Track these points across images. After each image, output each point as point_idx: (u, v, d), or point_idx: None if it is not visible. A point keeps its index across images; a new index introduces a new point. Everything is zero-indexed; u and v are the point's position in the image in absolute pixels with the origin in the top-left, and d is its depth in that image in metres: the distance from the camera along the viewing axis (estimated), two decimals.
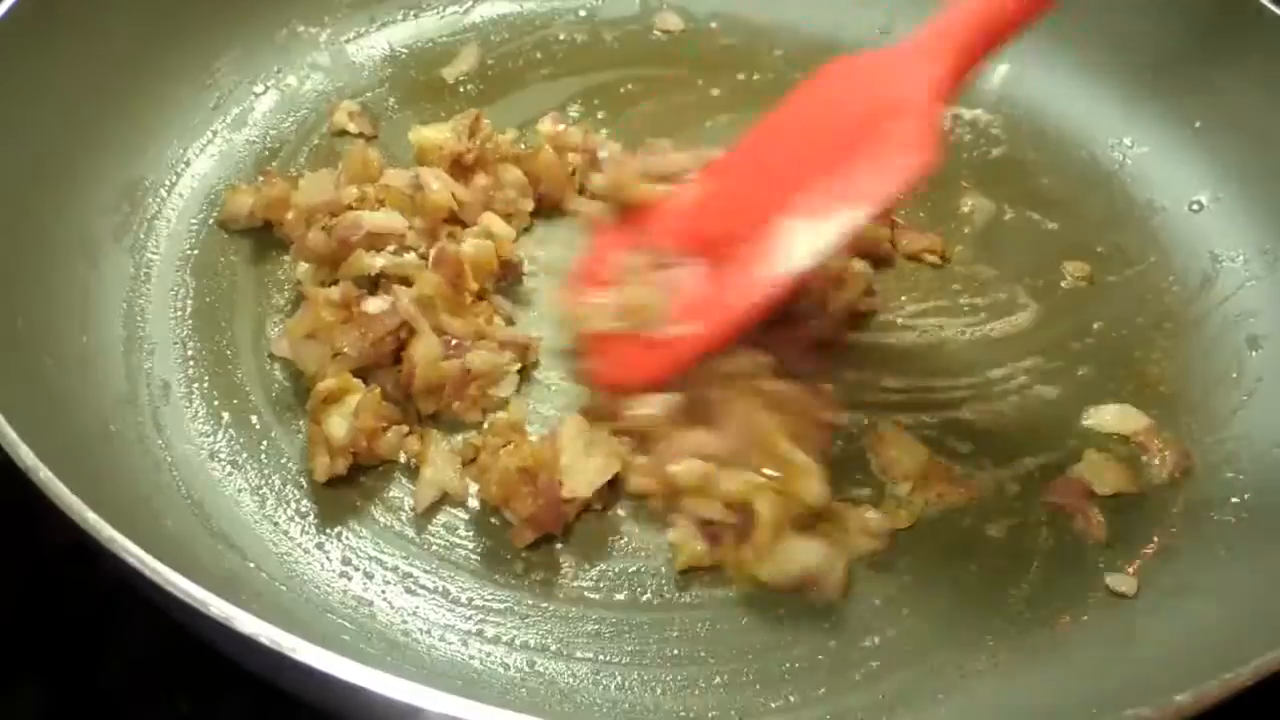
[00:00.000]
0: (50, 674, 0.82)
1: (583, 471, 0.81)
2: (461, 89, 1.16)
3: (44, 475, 0.64)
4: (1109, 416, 0.91)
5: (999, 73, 1.18)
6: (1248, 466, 0.88)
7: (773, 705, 0.75)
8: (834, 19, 1.23)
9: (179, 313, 0.94)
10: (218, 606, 0.59)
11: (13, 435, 0.66)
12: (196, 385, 0.90)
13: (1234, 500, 0.86)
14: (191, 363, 0.91)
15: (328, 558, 0.81)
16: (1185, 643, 0.76)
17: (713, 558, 0.81)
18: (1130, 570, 0.83)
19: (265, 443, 0.87)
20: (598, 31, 1.23)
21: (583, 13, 1.24)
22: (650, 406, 0.84)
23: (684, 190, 0.93)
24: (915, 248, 1.03)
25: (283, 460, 0.86)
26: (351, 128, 1.10)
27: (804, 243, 0.81)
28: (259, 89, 1.12)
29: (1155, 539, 0.85)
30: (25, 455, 0.65)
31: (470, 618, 0.78)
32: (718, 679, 0.76)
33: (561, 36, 1.22)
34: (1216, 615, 0.78)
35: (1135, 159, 1.12)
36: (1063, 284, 1.02)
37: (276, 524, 0.82)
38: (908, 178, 0.81)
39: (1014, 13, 0.82)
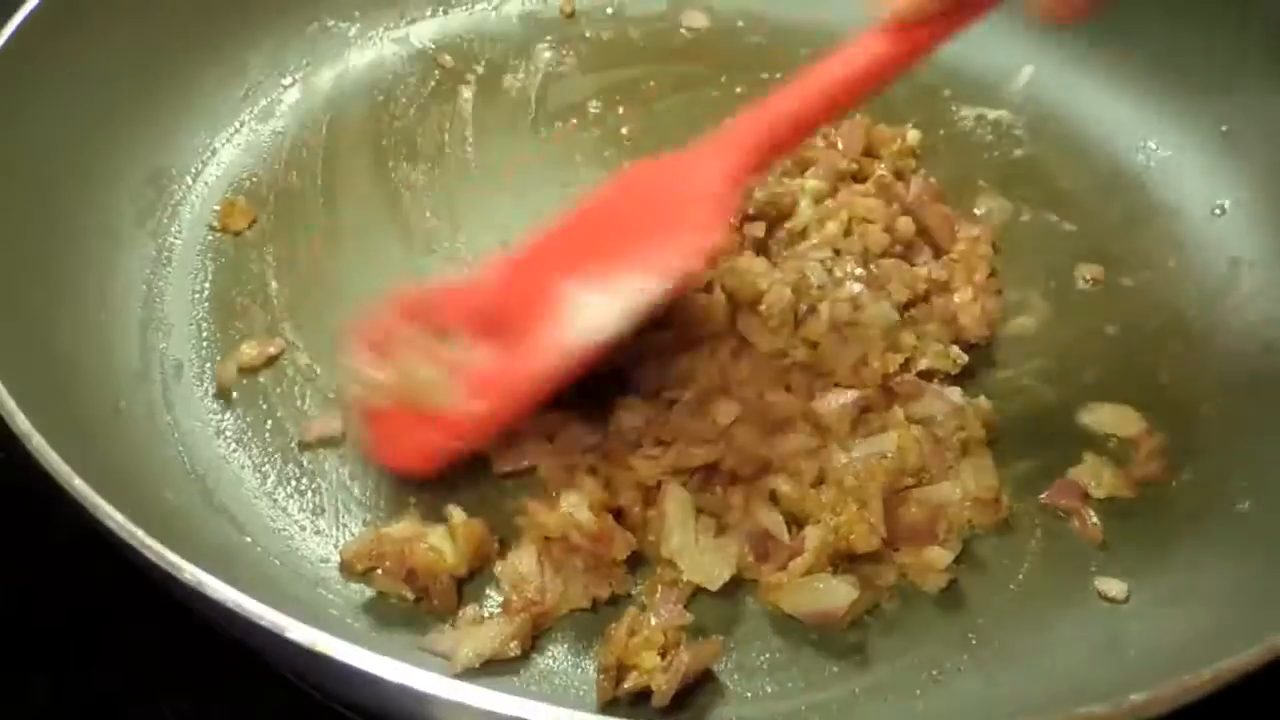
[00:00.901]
0: (50, 672, 0.83)
1: (702, 567, 0.79)
2: (488, 86, 1.17)
3: (37, 442, 0.67)
4: (1105, 416, 0.89)
5: (1024, 74, 1.17)
6: (1251, 475, 0.86)
7: (748, 695, 0.75)
8: (860, 19, 1.22)
9: (197, 295, 0.97)
10: (191, 572, 0.61)
11: (11, 403, 0.68)
12: (209, 366, 0.92)
13: (1235, 508, 0.85)
14: (206, 344, 0.94)
15: (322, 535, 0.82)
16: (1172, 649, 0.75)
17: (754, 573, 0.80)
18: (1121, 574, 0.81)
19: (270, 422, 0.89)
20: (624, 28, 1.24)
21: (610, 10, 1.25)
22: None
23: (477, 278, 0.93)
24: None
25: (286, 440, 0.88)
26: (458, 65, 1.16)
27: (594, 312, 0.81)
28: (287, 81, 1.15)
29: (1150, 544, 0.84)
30: (20, 422, 0.67)
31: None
32: None
33: (588, 33, 1.23)
34: (1207, 624, 0.76)
35: (1159, 162, 1.10)
36: (1076, 286, 1.01)
37: (275, 500, 0.84)
38: (695, 253, 0.84)
39: (808, 118, 0.85)
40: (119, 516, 0.63)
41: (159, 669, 0.83)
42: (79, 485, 0.65)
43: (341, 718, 0.79)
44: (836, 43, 1.18)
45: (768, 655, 0.77)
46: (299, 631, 0.59)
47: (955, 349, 0.93)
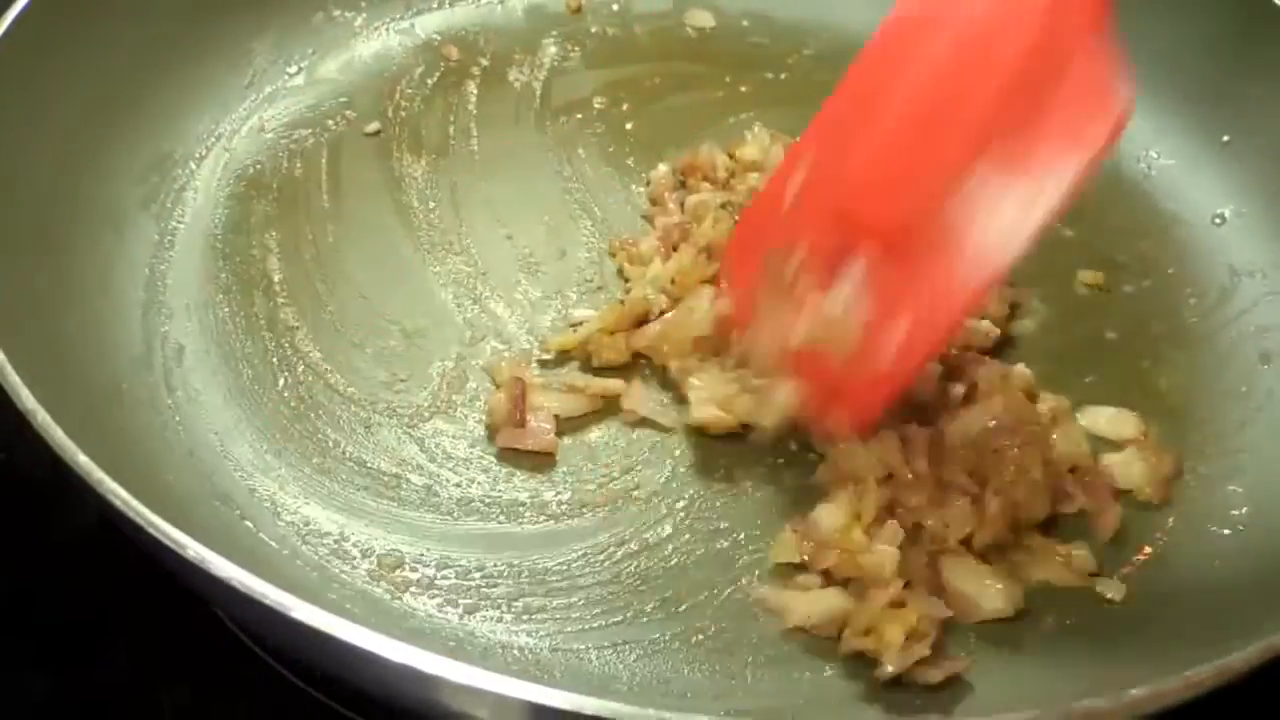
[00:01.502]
0: (50, 672, 0.82)
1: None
2: (493, 79, 1.18)
3: (41, 419, 0.67)
4: (1102, 420, 0.90)
5: None
6: (1249, 481, 0.87)
7: (738, 690, 0.75)
8: (865, 19, 1.23)
9: (200, 281, 0.97)
10: (195, 549, 0.61)
11: (15, 379, 0.68)
12: (212, 350, 0.92)
13: (1232, 513, 0.85)
14: (209, 329, 0.93)
15: (321, 519, 0.82)
16: (1169, 651, 0.75)
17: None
18: (1120, 577, 0.82)
19: (272, 406, 0.89)
20: (629, 26, 1.24)
21: (616, 7, 1.25)
22: None
23: (797, 168, 0.80)
24: None
25: (287, 424, 0.88)
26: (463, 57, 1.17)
27: (1018, 212, 0.67)
28: (292, 69, 1.14)
29: (1149, 548, 0.84)
30: (26, 399, 0.67)
31: (462, 589, 0.80)
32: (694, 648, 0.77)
33: (593, 29, 1.24)
34: (1205, 626, 0.77)
35: (1160, 170, 1.11)
36: (1076, 292, 1.02)
37: (276, 484, 0.84)
38: (1107, 109, 0.69)
39: None
40: (123, 493, 0.63)
41: (158, 667, 0.83)
42: (83, 461, 0.65)
43: (341, 717, 0.79)
44: (839, 42, 1.21)
45: (761, 655, 0.77)
46: (303, 611, 0.59)
47: (986, 322, 0.93)
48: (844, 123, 0.79)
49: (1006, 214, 0.68)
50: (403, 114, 1.13)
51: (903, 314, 0.72)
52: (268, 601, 0.60)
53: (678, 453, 0.88)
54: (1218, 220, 1.06)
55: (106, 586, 0.86)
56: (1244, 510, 0.85)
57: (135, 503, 0.63)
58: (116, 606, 0.85)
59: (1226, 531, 0.84)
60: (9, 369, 0.69)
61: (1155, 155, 1.12)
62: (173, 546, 0.62)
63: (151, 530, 0.62)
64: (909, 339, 0.73)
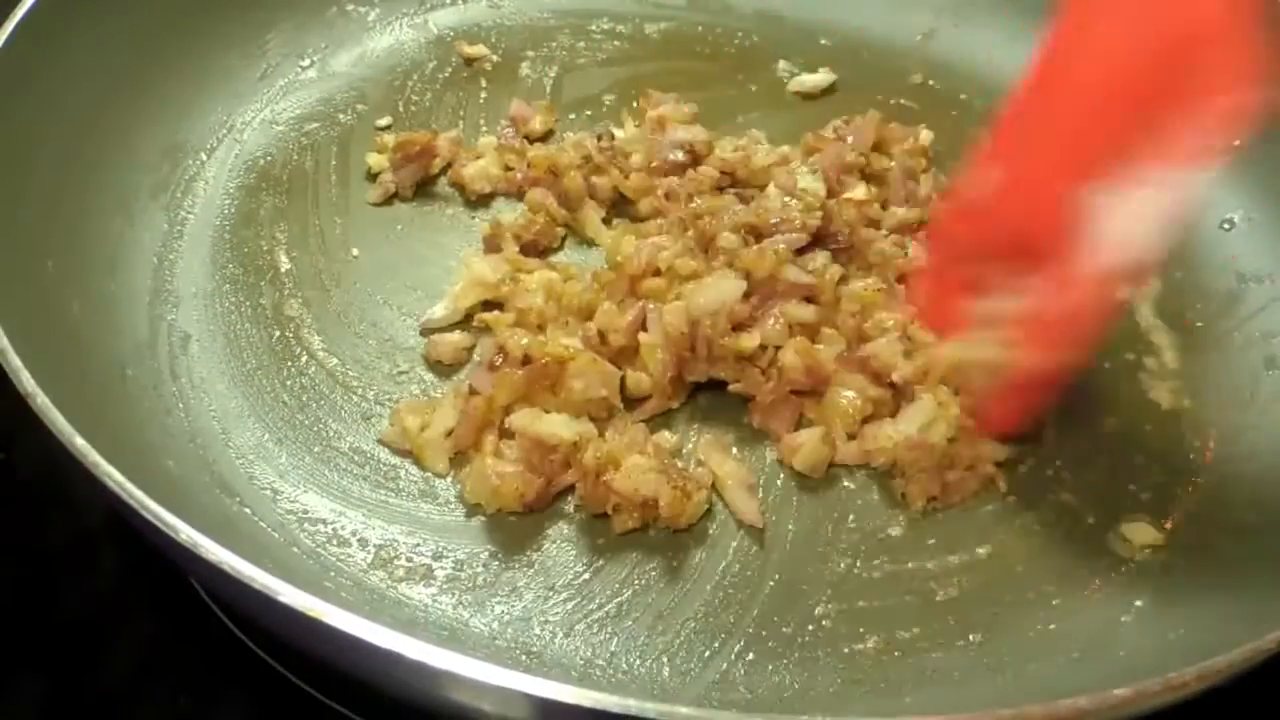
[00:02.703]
0: (50, 672, 0.82)
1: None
2: (504, 75, 1.18)
3: (40, 401, 0.67)
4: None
5: None
6: (1251, 486, 0.87)
7: (740, 688, 0.76)
8: (876, 19, 1.24)
9: (207, 270, 0.98)
10: (186, 533, 0.62)
11: (16, 361, 0.69)
12: (217, 338, 0.93)
13: (1234, 518, 0.85)
14: (215, 317, 0.95)
15: (319, 507, 0.83)
16: (1164, 652, 0.75)
17: None
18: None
19: (274, 395, 0.90)
20: (641, 25, 1.24)
21: (629, 5, 1.26)
22: None
23: (973, 183, 0.82)
24: None
25: (289, 413, 0.89)
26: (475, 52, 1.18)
27: (1125, 220, 0.69)
28: (305, 63, 1.15)
29: (1149, 550, 0.84)
30: (26, 381, 0.68)
31: (457, 579, 0.80)
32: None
33: (606, 27, 1.24)
34: (1199, 630, 0.76)
35: None
36: None
37: (276, 473, 0.85)
38: (1230, 120, 0.69)
39: None
40: (118, 475, 0.64)
41: (158, 667, 0.83)
42: (80, 445, 0.65)
43: (341, 717, 0.79)
44: (849, 41, 1.21)
45: (755, 650, 0.78)
46: (291, 595, 0.59)
47: None
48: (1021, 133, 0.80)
49: (1118, 225, 0.69)
50: (413, 108, 1.14)
51: (1039, 333, 0.76)
52: (256, 585, 0.61)
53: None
54: (1226, 225, 1.05)
55: (106, 586, 0.86)
56: (1245, 515, 0.85)
57: (129, 485, 0.64)
58: (116, 606, 0.86)
59: (1227, 537, 0.84)
60: (11, 352, 0.70)
61: None
62: (166, 530, 0.62)
63: (145, 513, 0.63)
64: (1053, 342, 0.76)
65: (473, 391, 0.87)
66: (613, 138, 1.07)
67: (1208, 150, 0.69)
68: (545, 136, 1.12)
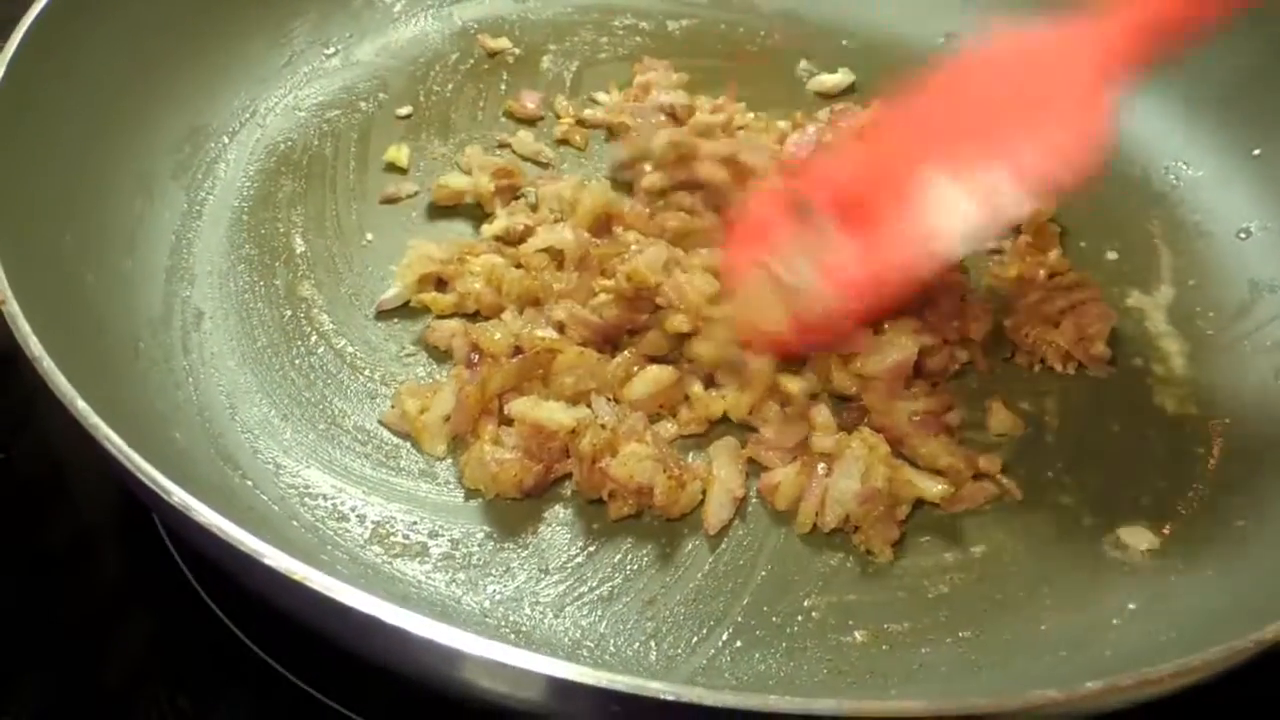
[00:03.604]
0: (50, 672, 0.82)
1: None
2: (525, 68, 1.20)
3: (46, 365, 0.69)
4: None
5: None
6: (1250, 494, 0.86)
7: (726, 674, 0.76)
8: (898, 21, 1.24)
9: (224, 249, 1.00)
10: (179, 495, 0.63)
11: (25, 327, 0.71)
12: (230, 316, 0.95)
13: (1233, 526, 0.85)
14: (229, 296, 0.96)
15: (320, 483, 0.84)
16: (1153, 658, 0.74)
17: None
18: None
19: (282, 372, 0.91)
20: (663, 23, 1.26)
21: (652, 3, 1.27)
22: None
23: (844, 147, 0.98)
24: None
25: (296, 390, 0.90)
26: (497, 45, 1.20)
27: (959, 217, 0.81)
28: (329, 51, 1.17)
29: (1145, 554, 0.83)
30: (34, 346, 0.70)
31: (452, 558, 0.81)
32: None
33: (629, 23, 1.25)
34: (1190, 634, 0.76)
35: (1189, 182, 1.10)
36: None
37: (281, 449, 0.86)
38: (1072, 164, 0.81)
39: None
40: (117, 438, 0.65)
41: (158, 667, 0.83)
42: (81, 407, 0.67)
43: (341, 716, 0.80)
44: (871, 44, 1.22)
45: (738, 635, 0.78)
46: (276, 559, 0.60)
47: None
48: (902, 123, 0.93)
49: (951, 220, 0.82)
50: (434, 99, 1.16)
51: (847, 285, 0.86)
52: (242, 548, 0.62)
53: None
54: (1242, 234, 1.05)
55: (106, 586, 0.87)
56: (1242, 523, 0.84)
57: (126, 446, 0.65)
58: (117, 606, 0.86)
59: (1223, 544, 0.83)
60: (21, 318, 0.71)
61: (1184, 166, 1.11)
62: (159, 492, 0.64)
63: (139, 474, 0.64)
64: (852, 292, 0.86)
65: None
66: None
67: (1043, 179, 0.82)
68: (534, 121, 1.14)
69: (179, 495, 0.63)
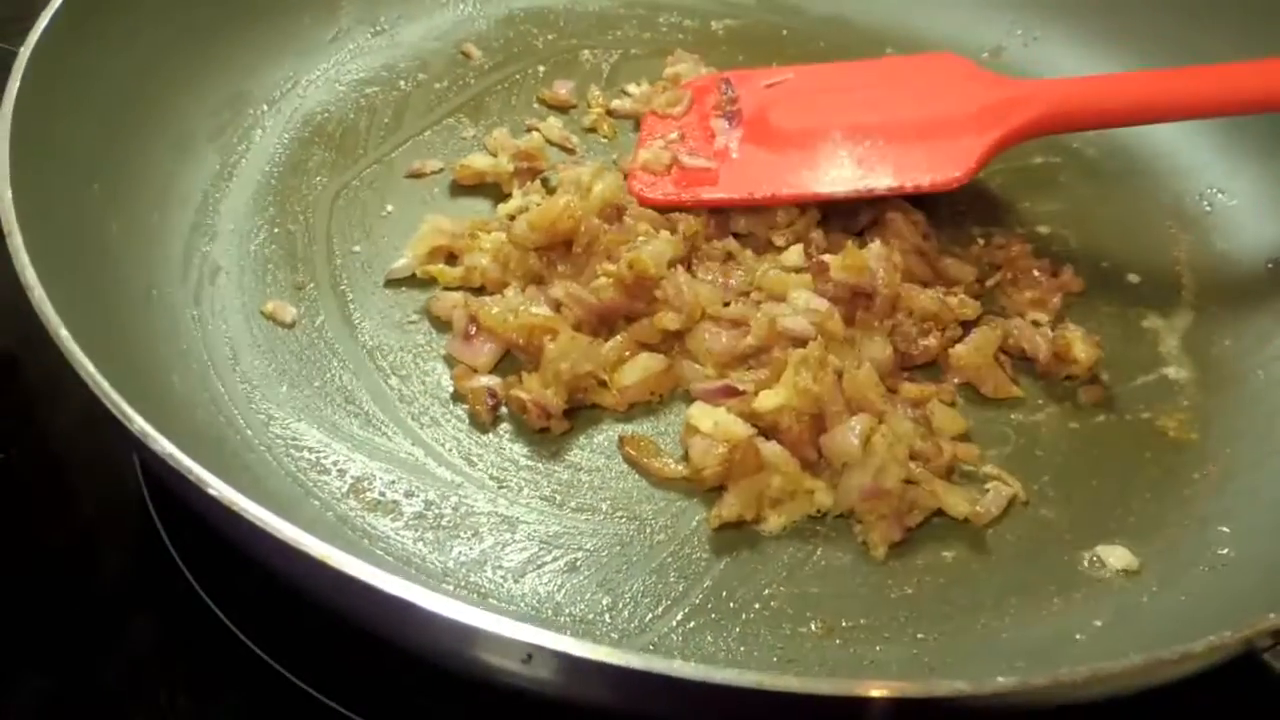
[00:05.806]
0: (50, 672, 0.82)
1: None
2: (565, 58, 1.22)
3: (37, 295, 0.72)
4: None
5: None
6: (1239, 524, 0.84)
7: (675, 653, 0.77)
8: (945, 32, 1.23)
9: (249, 210, 1.03)
10: (161, 444, 0.65)
11: (24, 258, 0.74)
12: (246, 274, 0.98)
13: (1215, 554, 0.82)
14: (246, 255, 1.00)
15: (308, 436, 0.87)
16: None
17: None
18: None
19: (286, 330, 0.94)
20: (707, 20, 1.27)
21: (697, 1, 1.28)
22: None
23: (781, 78, 1.12)
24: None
25: (298, 349, 0.93)
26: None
27: (840, 175, 1.00)
28: (375, 29, 1.21)
29: (1121, 574, 0.82)
30: (29, 275, 0.73)
31: (423, 516, 0.83)
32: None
33: (672, 20, 1.26)
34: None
35: (1221, 209, 1.08)
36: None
37: (281, 407, 0.89)
38: (940, 182, 0.98)
39: (1102, 111, 1.00)
40: (91, 367, 0.68)
41: (158, 667, 0.83)
42: (65, 336, 0.70)
43: (341, 716, 0.80)
44: (919, 49, 1.21)
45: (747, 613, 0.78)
46: (246, 504, 0.62)
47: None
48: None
49: (831, 174, 1.01)
50: (471, 82, 1.18)
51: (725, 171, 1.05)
52: (212, 491, 0.64)
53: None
54: (1270, 265, 1.02)
55: (106, 586, 0.87)
56: (1227, 551, 0.82)
57: (99, 375, 0.68)
58: (116, 606, 0.86)
59: (1206, 570, 0.81)
60: (22, 250, 0.75)
61: (1220, 194, 1.09)
62: (121, 419, 0.66)
63: (107, 401, 0.67)
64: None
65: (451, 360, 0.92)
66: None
67: (911, 180, 0.98)
68: (567, 109, 1.16)
69: (139, 423, 0.66)
